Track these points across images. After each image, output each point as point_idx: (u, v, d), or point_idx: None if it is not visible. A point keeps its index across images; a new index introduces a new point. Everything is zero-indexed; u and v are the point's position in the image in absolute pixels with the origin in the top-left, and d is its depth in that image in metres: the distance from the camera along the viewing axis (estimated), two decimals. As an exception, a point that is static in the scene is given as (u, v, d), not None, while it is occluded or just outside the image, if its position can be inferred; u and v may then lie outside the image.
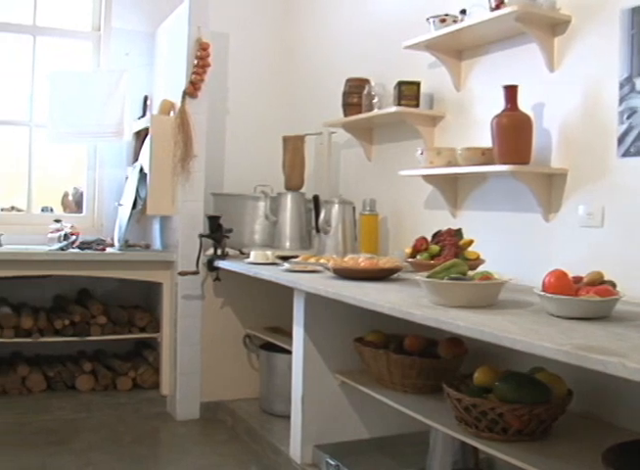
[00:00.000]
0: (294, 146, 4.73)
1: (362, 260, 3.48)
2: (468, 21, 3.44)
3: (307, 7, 5.38)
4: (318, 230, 4.41)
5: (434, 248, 3.33)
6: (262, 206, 4.72)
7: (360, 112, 4.26)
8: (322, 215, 4.36)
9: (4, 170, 5.43)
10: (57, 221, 5.06)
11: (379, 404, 3.29)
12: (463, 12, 3.57)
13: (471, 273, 2.69)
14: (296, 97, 5.42)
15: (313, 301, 3.48)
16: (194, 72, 4.58)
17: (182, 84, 4.60)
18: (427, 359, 3.21)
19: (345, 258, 3.66)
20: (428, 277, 2.64)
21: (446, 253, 3.25)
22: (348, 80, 4.41)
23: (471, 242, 3.33)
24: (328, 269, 3.45)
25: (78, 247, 4.82)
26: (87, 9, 5.40)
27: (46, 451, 4.05)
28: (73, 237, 4.85)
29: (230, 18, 5.26)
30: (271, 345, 4.50)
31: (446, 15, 3.57)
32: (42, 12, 5.29)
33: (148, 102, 5.23)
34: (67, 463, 3.90)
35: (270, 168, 4.93)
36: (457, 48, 3.74)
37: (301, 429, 3.59)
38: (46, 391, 4.85)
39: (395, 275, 3.43)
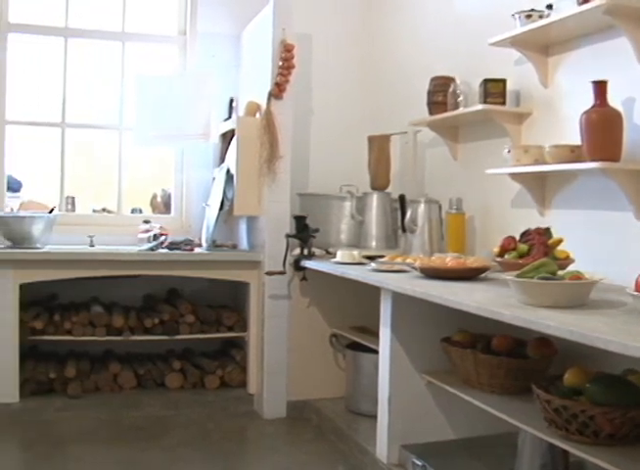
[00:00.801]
0: (379, 145, 4.73)
1: (449, 260, 3.46)
2: (555, 15, 3.37)
3: (390, 5, 5.36)
4: (404, 230, 4.39)
5: (523, 247, 3.29)
6: (348, 205, 4.73)
7: (446, 110, 4.23)
8: (408, 215, 4.34)
9: (95, 173, 5.56)
10: (146, 222, 5.17)
11: (465, 405, 3.27)
12: (549, 7, 3.51)
13: (561, 273, 2.65)
14: (380, 96, 5.40)
15: (400, 300, 3.48)
16: (279, 74, 4.61)
17: (267, 86, 4.64)
18: (515, 360, 3.18)
19: (432, 258, 3.65)
20: (517, 277, 2.60)
21: (535, 252, 3.21)
22: (433, 79, 4.38)
23: (560, 241, 3.27)
24: (415, 269, 3.43)
25: (167, 247, 4.91)
26: (173, 14, 5.50)
27: (137, 447, 4.15)
28: (163, 237, 4.94)
29: (312, 18, 5.27)
30: (357, 344, 4.50)
31: (532, 10, 3.52)
32: (130, 18, 5.41)
33: (234, 104, 5.29)
34: (157, 459, 3.98)
35: (355, 168, 4.93)
36: (544, 44, 3.67)
37: (388, 429, 3.59)
38: (136, 388, 4.94)
39: (483, 275, 3.39)
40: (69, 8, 5.32)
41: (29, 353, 4.93)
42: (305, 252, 4.58)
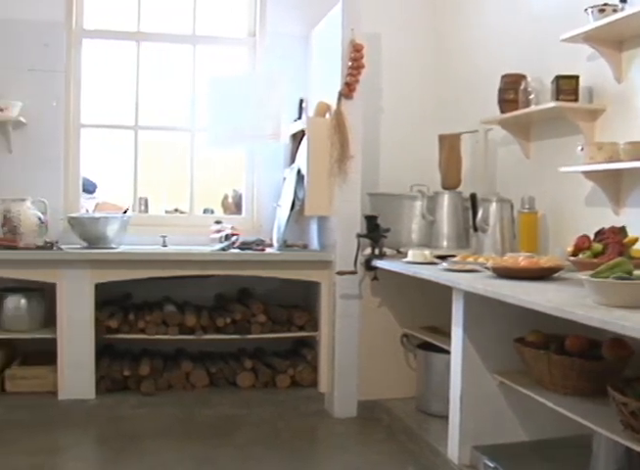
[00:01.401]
0: (450, 144, 4.70)
1: (522, 259, 3.42)
2: (629, 9, 3.31)
3: (460, 3, 5.32)
4: (476, 229, 4.36)
5: (597, 246, 3.23)
6: (419, 205, 4.71)
7: (517, 108, 4.18)
8: (480, 214, 4.31)
9: (168, 175, 5.64)
10: (218, 223, 5.22)
11: (538, 406, 3.23)
12: (623, 0, 3.44)
13: (636, 272, 2.60)
14: (450, 95, 5.37)
15: (472, 300, 3.45)
16: (349, 74, 4.61)
17: (337, 86, 4.64)
18: (589, 361, 3.13)
19: (505, 257, 3.62)
20: (592, 276, 2.56)
21: (610, 251, 3.15)
22: (504, 76, 4.33)
23: (636, 240, 3.21)
24: (487, 269, 3.41)
25: (239, 247, 4.95)
26: (243, 15, 5.56)
27: (209, 444, 4.19)
28: (234, 238, 4.99)
29: (381, 17, 5.26)
30: (428, 344, 4.48)
31: (605, 4, 3.46)
32: (200, 21, 5.49)
33: (304, 104, 5.31)
34: (229, 456, 4.01)
35: (426, 167, 4.91)
36: (617, 39, 3.60)
37: (459, 429, 3.57)
38: (208, 386, 4.99)
39: (556, 274, 3.35)
40: (141, 13, 5.42)
41: (104, 352, 5.03)
42: (376, 251, 4.58)
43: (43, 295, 4.89)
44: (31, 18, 5.11)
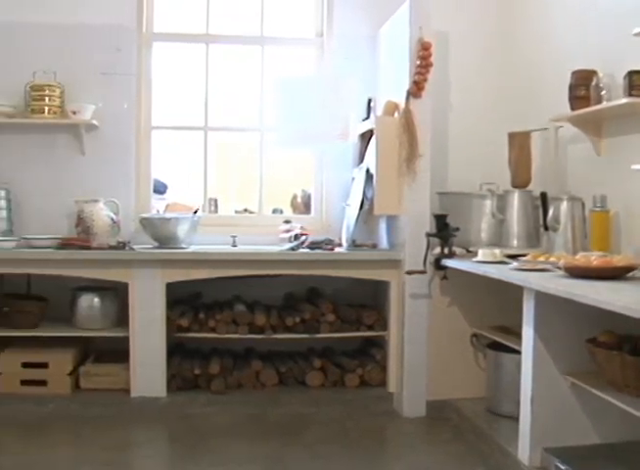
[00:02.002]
0: (519, 142, 4.65)
1: (594, 259, 3.37)
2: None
3: (530, -1, 5.27)
4: (546, 228, 4.31)
5: (672, 245, 3.17)
6: (489, 204, 4.67)
7: (588, 105, 4.10)
8: (550, 213, 4.26)
9: (237, 175, 5.69)
10: (287, 222, 5.25)
11: (611, 408, 3.18)
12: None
13: None
14: (519, 92, 5.29)
15: (543, 300, 3.41)
16: (417, 72, 4.59)
17: (405, 85, 4.62)
18: (664, 362, 3.07)
19: (577, 257, 3.56)
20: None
21: (685, 250, 3.09)
22: (574, 73, 4.26)
23: None
24: (558, 268, 3.36)
25: (308, 247, 4.97)
26: (310, 16, 5.58)
27: (278, 443, 4.22)
28: (303, 237, 5.01)
29: (449, 15, 5.22)
30: (498, 344, 4.43)
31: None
32: (268, 22, 5.53)
33: (372, 104, 5.29)
34: (298, 455, 4.03)
35: (495, 166, 4.86)
36: (691, 32, 3.53)
37: (530, 431, 3.53)
38: (278, 385, 5.02)
39: (630, 274, 3.29)
40: (210, 15, 5.49)
41: (175, 350, 5.10)
42: (446, 251, 4.55)
43: (116, 294, 4.97)
44: (103, 23, 5.22)
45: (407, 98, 4.63)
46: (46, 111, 5.07)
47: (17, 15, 5.18)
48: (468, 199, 4.75)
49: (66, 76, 5.15)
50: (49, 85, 5.07)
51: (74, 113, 5.09)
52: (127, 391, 4.75)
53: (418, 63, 4.58)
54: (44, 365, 4.78)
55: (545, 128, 4.63)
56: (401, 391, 4.76)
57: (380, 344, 5.16)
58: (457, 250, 4.57)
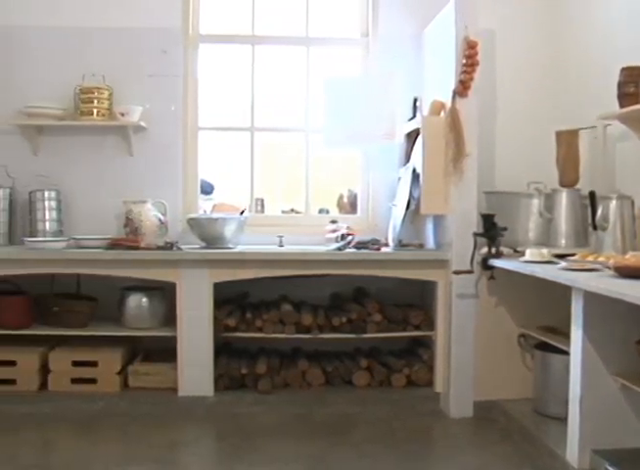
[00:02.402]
0: (567, 141, 4.61)
1: (644, 258, 3.33)
2: None
3: (578, -4, 5.21)
4: (595, 227, 4.26)
5: None
6: (536, 203, 4.65)
7: (637, 102, 4.04)
8: (599, 212, 4.21)
9: (283, 175, 5.71)
10: (333, 222, 5.25)
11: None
12: None
13: None
14: (567, 90, 5.24)
15: (592, 300, 3.38)
16: (463, 71, 4.56)
17: (451, 84, 4.60)
18: None
19: (626, 256, 3.52)
20: None
21: None
22: (623, 69, 4.20)
23: None
24: (608, 268, 3.33)
25: (355, 247, 4.96)
26: (355, 16, 5.58)
27: (325, 442, 4.22)
28: (350, 237, 5.00)
29: (494, 13, 5.19)
30: (546, 344, 4.40)
31: None
32: (313, 23, 5.54)
33: (418, 103, 5.28)
34: (344, 454, 4.03)
35: (543, 165, 4.82)
36: None
37: (579, 432, 3.50)
38: (324, 385, 5.03)
39: (681, 273, 3.24)
40: (255, 16, 5.52)
41: (223, 350, 5.13)
42: (493, 250, 4.52)
43: (163, 294, 5.02)
44: (150, 25, 5.29)
45: (453, 97, 4.61)
46: (95, 113, 5.14)
47: (66, 20, 5.26)
48: (515, 198, 4.73)
49: (114, 79, 5.23)
50: (98, 88, 5.13)
51: (123, 114, 5.15)
52: (175, 390, 4.80)
53: (464, 61, 4.55)
54: (94, 364, 4.85)
55: (593, 126, 4.58)
56: (448, 391, 4.74)
57: (427, 344, 5.14)
58: (504, 249, 4.54)
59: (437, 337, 4.87)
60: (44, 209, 5.14)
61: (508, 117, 5.31)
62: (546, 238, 4.60)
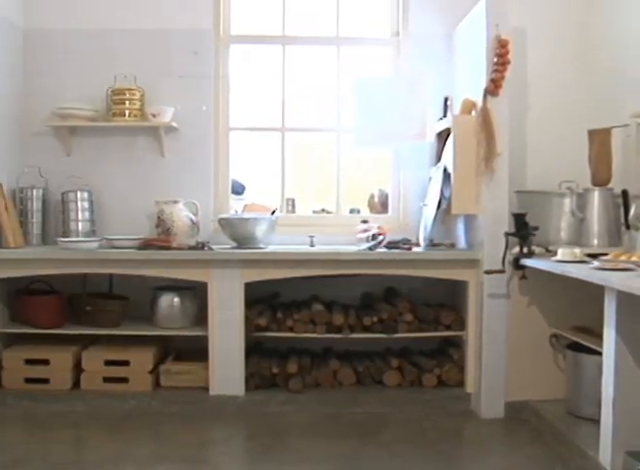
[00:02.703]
0: (600, 139, 4.57)
1: (678, 258, 3.29)
2: None
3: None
4: (628, 226, 4.23)
5: None
6: (568, 202, 4.61)
7: (673, 100, 4.02)
8: (632, 211, 4.17)
9: (314, 175, 5.71)
10: (364, 222, 5.24)
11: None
12: None
13: None
14: (600, 88, 5.18)
15: (626, 300, 3.34)
16: (494, 70, 4.54)
17: (482, 83, 4.58)
18: None
19: (659, 255, 3.49)
20: None
21: None
22: (659, 67, 4.17)
23: None
24: (641, 267, 3.30)
25: (386, 246, 4.96)
26: (385, 16, 5.57)
27: (355, 442, 4.24)
28: (381, 237, 5.00)
29: (526, 11, 5.14)
30: (579, 345, 4.36)
31: None
32: (344, 23, 5.54)
33: (448, 102, 5.27)
34: (375, 454, 4.03)
35: (575, 164, 4.77)
36: None
37: (612, 434, 3.46)
38: (355, 385, 5.03)
39: None
40: (286, 16, 5.54)
41: (254, 349, 5.14)
42: (525, 250, 4.49)
43: (195, 293, 5.04)
44: (181, 27, 5.33)
45: (484, 96, 4.59)
46: (127, 114, 5.19)
47: (98, 22, 5.33)
48: (547, 197, 4.70)
49: (145, 80, 5.27)
50: (129, 89, 5.17)
51: (154, 115, 5.18)
52: (206, 389, 4.82)
53: (495, 60, 4.53)
54: (126, 363, 4.88)
55: (626, 125, 4.53)
56: (479, 391, 4.72)
57: (458, 343, 5.12)
58: (536, 249, 4.51)
59: (469, 337, 4.85)
60: (77, 209, 5.20)
61: (539, 115, 5.27)
62: (578, 237, 4.56)
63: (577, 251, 4.14)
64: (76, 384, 4.90)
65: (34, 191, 5.16)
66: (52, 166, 5.30)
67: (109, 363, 4.88)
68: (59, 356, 4.88)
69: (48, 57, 5.34)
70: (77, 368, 4.91)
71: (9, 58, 5.17)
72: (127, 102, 5.17)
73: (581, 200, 4.56)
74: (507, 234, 4.50)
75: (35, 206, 5.16)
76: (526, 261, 4.43)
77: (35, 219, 5.15)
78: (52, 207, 5.29)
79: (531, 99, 5.28)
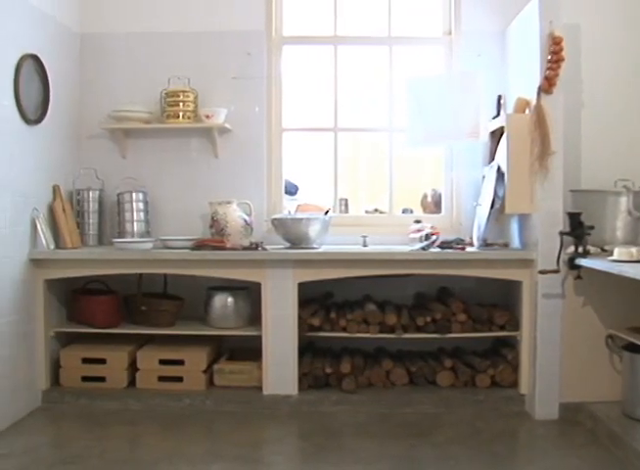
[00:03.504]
0: (657, 137, 4.50)
1: None
2: None
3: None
4: (685, 225, 4.15)
5: None
6: (624, 201, 4.55)
7: None
8: (690, 210, 4.10)
9: (368, 175, 5.71)
10: (417, 222, 5.22)
11: None
12: None
13: None
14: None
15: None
16: (548, 68, 4.48)
17: (536, 81, 4.53)
18: None
19: None
20: None
21: None
22: None
23: None
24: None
25: (439, 246, 4.94)
26: (438, 15, 5.55)
27: (408, 442, 4.22)
28: (434, 237, 4.97)
29: (579, 7, 5.08)
30: (635, 346, 4.30)
31: None
32: (396, 22, 5.53)
33: (502, 101, 5.23)
34: (428, 455, 4.02)
35: (631, 162, 4.71)
36: None
37: (670, 436, 3.41)
38: (408, 385, 5.02)
39: None
40: (337, 17, 5.55)
41: (307, 349, 5.16)
42: (580, 249, 4.44)
43: (248, 293, 5.07)
44: (234, 29, 5.38)
45: (538, 94, 4.54)
46: (181, 116, 5.24)
47: (152, 25, 5.41)
48: (602, 196, 4.63)
49: (199, 82, 5.33)
50: (183, 91, 5.23)
51: (208, 117, 5.23)
52: (259, 388, 4.86)
53: (549, 58, 4.48)
54: (180, 362, 4.93)
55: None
56: (533, 392, 4.67)
57: (511, 344, 5.07)
58: (591, 249, 4.45)
59: (522, 337, 4.81)
60: (132, 210, 5.27)
61: (594, 113, 5.18)
62: (635, 237, 4.50)
63: (634, 250, 4.07)
64: (132, 383, 4.99)
65: (90, 193, 5.25)
66: (108, 168, 5.39)
67: (163, 362, 4.95)
68: (115, 355, 4.96)
69: (103, 61, 5.43)
70: (132, 367, 5.00)
71: (66, 63, 5.27)
72: (181, 104, 5.23)
73: (638, 198, 4.49)
74: (562, 233, 4.45)
75: (92, 207, 5.24)
76: (582, 261, 4.38)
77: (92, 220, 5.24)
78: (108, 208, 5.38)
79: (586, 96, 5.20)
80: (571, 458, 3.98)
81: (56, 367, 5.00)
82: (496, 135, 5.11)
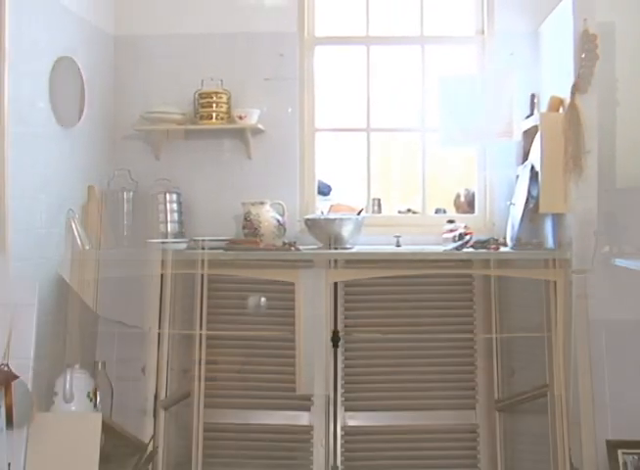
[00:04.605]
0: (693, 135, 4.46)
1: None
2: None
3: None
4: None
5: None
6: (660, 200, 4.52)
7: None
8: None
9: (400, 175, 5.71)
10: (450, 222, 5.21)
11: None
12: None
13: None
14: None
15: None
16: (582, 66, 4.47)
17: (570, 79, 4.51)
18: None
19: None
20: None
21: None
22: None
23: None
24: None
25: (472, 246, 4.92)
26: (470, 14, 5.54)
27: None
28: (468, 237, 4.96)
29: (614, 4, 5.02)
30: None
31: None
32: (428, 22, 5.53)
33: (535, 100, 5.20)
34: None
35: (668, 160, 4.68)
36: None
37: None
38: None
39: None
40: (370, 17, 5.55)
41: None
42: (615, 250, 4.41)
43: (281, 294, 5.07)
44: (266, 30, 5.39)
45: (572, 93, 4.51)
46: (214, 117, 5.26)
47: (185, 27, 5.43)
48: (638, 195, 4.59)
49: (232, 83, 5.34)
50: (216, 92, 5.25)
51: (241, 118, 5.24)
52: (293, 390, 4.85)
53: (583, 56, 4.46)
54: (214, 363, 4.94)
55: None
56: (568, 394, 4.64)
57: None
58: (627, 249, 4.42)
59: (556, 338, 4.78)
60: (166, 211, 5.28)
61: (629, 111, 5.13)
62: (673, 236, 4.47)
63: (670, 250, 4.05)
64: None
65: (125, 193, 5.28)
66: (141, 169, 5.42)
67: (197, 362, 4.96)
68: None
69: (137, 63, 5.46)
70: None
71: (101, 65, 5.30)
72: (214, 105, 5.25)
73: (674, 197, 4.47)
74: (597, 233, 4.42)
75: (126, 208, 5.27)
76: (617, 261, 4.35)
77: (126, 222, 5.27)
78: (141, 209, 5.40)
79: (620, 95, 5.15)
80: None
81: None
82: (530, 134, 5.08)
